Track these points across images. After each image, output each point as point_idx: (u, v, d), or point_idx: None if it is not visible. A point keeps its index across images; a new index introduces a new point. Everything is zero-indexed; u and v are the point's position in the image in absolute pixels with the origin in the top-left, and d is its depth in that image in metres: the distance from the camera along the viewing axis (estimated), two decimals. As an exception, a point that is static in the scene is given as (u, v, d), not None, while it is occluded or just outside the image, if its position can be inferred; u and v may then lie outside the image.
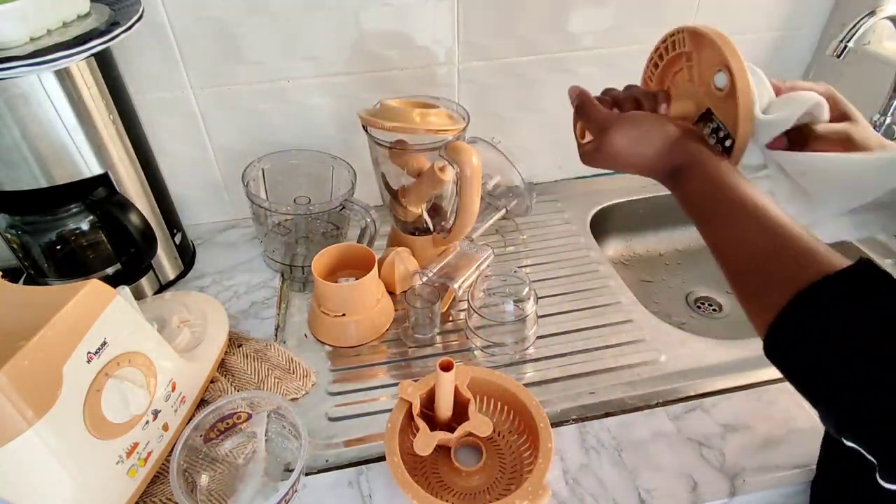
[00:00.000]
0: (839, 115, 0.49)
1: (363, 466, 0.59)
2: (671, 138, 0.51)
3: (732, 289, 0.43)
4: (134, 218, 0.71)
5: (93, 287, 0.50)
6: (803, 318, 0.35)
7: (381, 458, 0.59)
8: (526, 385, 0.62)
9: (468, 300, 0.71)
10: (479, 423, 0.57)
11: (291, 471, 0.54)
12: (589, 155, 0.55)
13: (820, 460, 0.55)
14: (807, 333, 0.35)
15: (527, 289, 0.70)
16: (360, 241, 0.79)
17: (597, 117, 0.54)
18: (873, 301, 0.33)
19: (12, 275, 0.77)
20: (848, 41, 0.73)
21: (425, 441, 0.55)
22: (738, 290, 0.43)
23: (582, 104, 0.57)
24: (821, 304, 0.35)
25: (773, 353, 0.38)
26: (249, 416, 0.60)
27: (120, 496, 0.52)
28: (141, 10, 0.66)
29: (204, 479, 0.56)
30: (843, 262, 0.36)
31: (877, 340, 0.32)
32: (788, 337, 0.36)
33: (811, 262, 0.37)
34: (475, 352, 0.72)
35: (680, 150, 0.50)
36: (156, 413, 0.56)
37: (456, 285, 0.76)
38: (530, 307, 0.70)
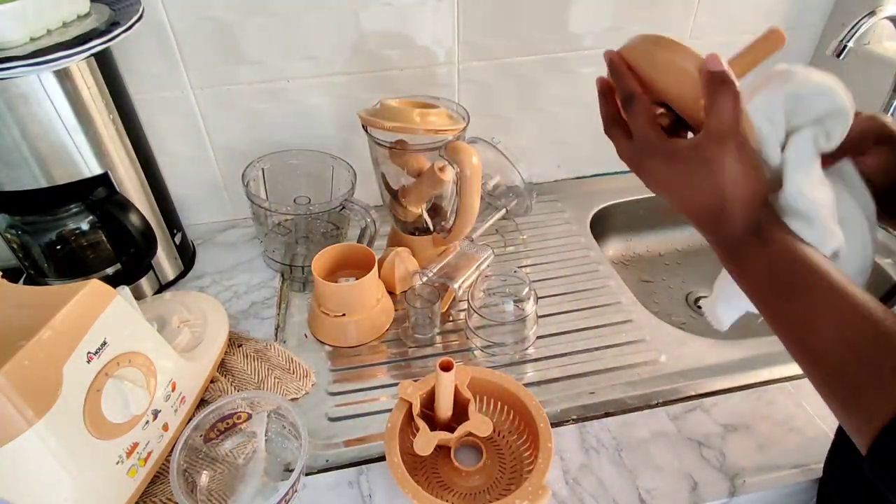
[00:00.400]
0: (884, 137, 0.41)
1: (363, 466, 0.59)
2: (762, 182, 0.39)
3: (818, 386, 0.36)
4: (134, 218, 0.71)
5: (93, 287, 0.50)
6: None
7: (381, 458, 0.59)
8: (526, 385, 0.62)
9: (468, 300, 0.71)
10: (479, 423, 0.57)
11: (291, 471, 0.54)
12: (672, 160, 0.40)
13: (828, 461, 0.55)
14: None
15: (527, 289, 0.70)
16: (360, 241, 0.79)
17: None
18: None
19: (12, 275, 0.77)
20: (848, 41, 0.73)
21: (425, 441, 0.55)
22: (830, 389, 0.35)
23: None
24: None
25: (880, 471, 0.32)
26: (249, 416, 0.60)
27: (120, 496, 0.52)
28: (141, 10, 0.66)
29: (204, 479, 0.56)
30: None
31: None
32: None
33: None
34: (475, 352, 0.72)
35: (764, 201, 0.39)
36: (156, 413, 0.56)
37: (456, 285, 0.76)
38: (530, 307, 0.70)
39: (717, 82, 0.37)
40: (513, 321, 0.70)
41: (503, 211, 0.93)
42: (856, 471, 0.49)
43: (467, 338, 0.73)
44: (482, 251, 0.82)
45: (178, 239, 0.83)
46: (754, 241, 0.39)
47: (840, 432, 0.53)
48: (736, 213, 0.39)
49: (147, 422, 0.54)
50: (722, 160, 0.38)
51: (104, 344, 0.50)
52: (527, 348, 0.72)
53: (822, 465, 0.56)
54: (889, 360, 0.32)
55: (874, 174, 0.42)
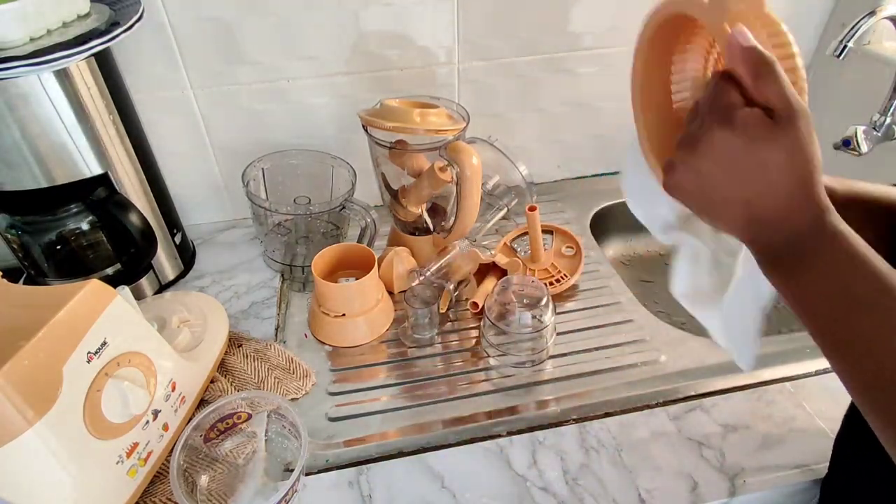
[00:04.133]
0: None
1: (363, 466, 0.59)
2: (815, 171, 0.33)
3: (883, 415, 0.30)
4: (134, 218, 0.71)
5: (93, 287, 0.50)
6: None
7: (382, 458, 0.59)
8: (526, 385, 0.61)
9: (485, 314, 0.69)
10: None
11: (291, 471, 0.54)
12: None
13: (833, 458, 0.55)
14: None
15: (545, 298, 0.68)
16: (360, 241, 0.79)
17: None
18: None
19: (12, 275, 0.77)
20: (848, 41, 0.73)
21: None
22: None
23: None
24: None
25: None
26: (249, 416, 0.60)
27: (120, 496, 0.52)
28: (141, 10, 0.66)
29: (204, 479, 0.56)
30: None
31: None
32: None
33: None
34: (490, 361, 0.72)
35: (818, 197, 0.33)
36: (156, 413, 0.56)
37: (451, 286, 0.76)
38: (549, 317, 0.68)
39: (764, 62, 0.34)
40: (530, 332, 0.68)
41: (504, 210, 0.93)
42: (861, 467, 0.50)
43: (487, 354, 0.71)
44: (482, 251, 0.82)
45: (178, 239, 0.83)
46: (821, 237, 0.33)
47: (844, 428, 0.53)
48: (811, 198, 0.33)
49: (147, 422, 0.54)
50: (805, 140, 0.33)
51: (104, 344, 0.50)
52: (544, 360, 0.70)
53: (822, 465, 0.56)
54: None
55: None
